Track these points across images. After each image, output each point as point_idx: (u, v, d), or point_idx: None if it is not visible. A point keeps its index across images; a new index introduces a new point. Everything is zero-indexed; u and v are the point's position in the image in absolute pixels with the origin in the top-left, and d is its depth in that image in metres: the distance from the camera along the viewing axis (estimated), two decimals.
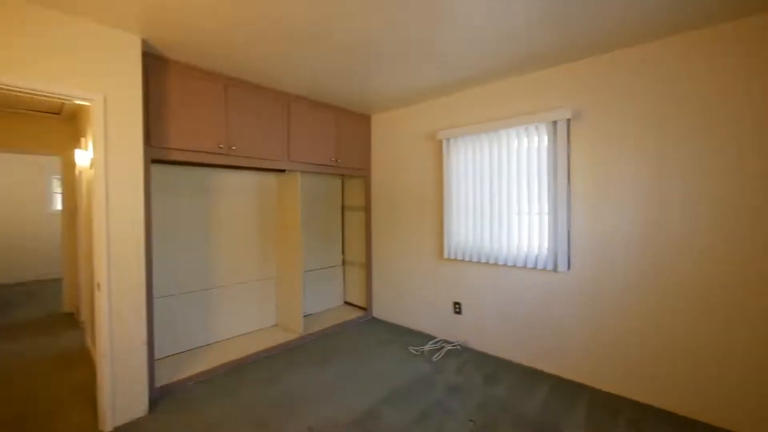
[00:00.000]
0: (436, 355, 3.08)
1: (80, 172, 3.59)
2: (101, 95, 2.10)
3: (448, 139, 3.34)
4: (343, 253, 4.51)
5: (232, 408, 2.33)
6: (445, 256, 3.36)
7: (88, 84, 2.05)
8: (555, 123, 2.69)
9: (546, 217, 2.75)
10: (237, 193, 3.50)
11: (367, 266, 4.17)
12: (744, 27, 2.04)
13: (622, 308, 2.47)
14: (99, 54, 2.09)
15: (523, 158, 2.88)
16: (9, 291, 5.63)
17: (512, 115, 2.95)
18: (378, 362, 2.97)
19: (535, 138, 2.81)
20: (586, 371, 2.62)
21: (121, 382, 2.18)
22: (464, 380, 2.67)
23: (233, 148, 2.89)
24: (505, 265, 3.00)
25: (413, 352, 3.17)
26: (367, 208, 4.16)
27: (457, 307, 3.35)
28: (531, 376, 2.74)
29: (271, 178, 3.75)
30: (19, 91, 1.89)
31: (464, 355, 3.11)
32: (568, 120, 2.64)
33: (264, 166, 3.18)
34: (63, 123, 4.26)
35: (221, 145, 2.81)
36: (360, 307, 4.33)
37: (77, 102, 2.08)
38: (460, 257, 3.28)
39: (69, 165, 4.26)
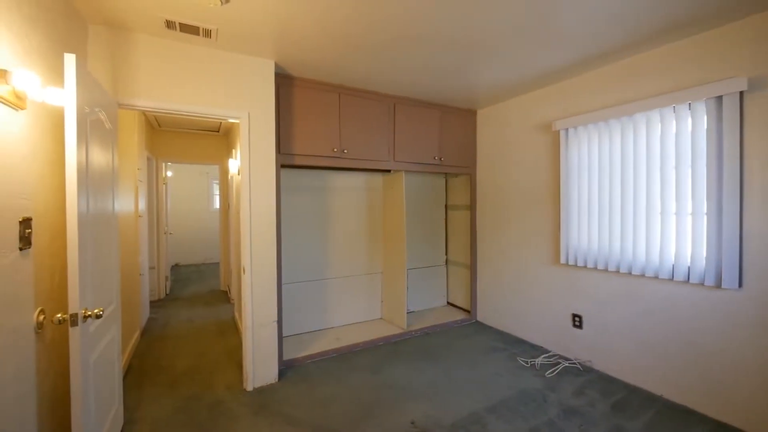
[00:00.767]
0: (550, 371, 2.77)
1: (231, 177, 4.42)
2: (246, 113, 2.54)
3: (566, 129, 2.97)
4: (446, 252, 4.46)
5: (342, 389, 2.54)
6: (562, 261, 3.00)
7: (237, 105, 2.51)
8: (719, 98, 2.12)
9: (703, 218, 2.20)
10: (348, 193, 3.80)
11: (472, 267, 4.02)
12: None
13: None
14: (245, 79, 2.54)
15: (668, 145, 2.36)
16: (186, 270, 7.32)
17: (651, 94, 2.44)
18: (483, 368, 2.84)
19: (687, 120, 2.27)
20: (760, 422, 2.00)
21: (259, 352, 2.60)
22: (585, 404, 2.34)
23: (345, 151, 3.14)
24: (642, 275, 2.50)
25: (522, 363, 2.92)
26: (471, 207, 4.01)
27: (577, 320, 2.95)
28: (679, 415, 2.23)
29: (377, 178, 3.95)
30: (193, 115, 2.43)
31: (585, 375, 2.72)
32: (741, 93, 2.05)
33: (371, 167, 3.37)
34: (220, 138, 5.32)
35: (335, 149, 3.10)
36: (463, 309, 4.21)
37: (231, 120, 2.56)
38: (580, 263, 2.88)
39: (224, 172, 5.29)
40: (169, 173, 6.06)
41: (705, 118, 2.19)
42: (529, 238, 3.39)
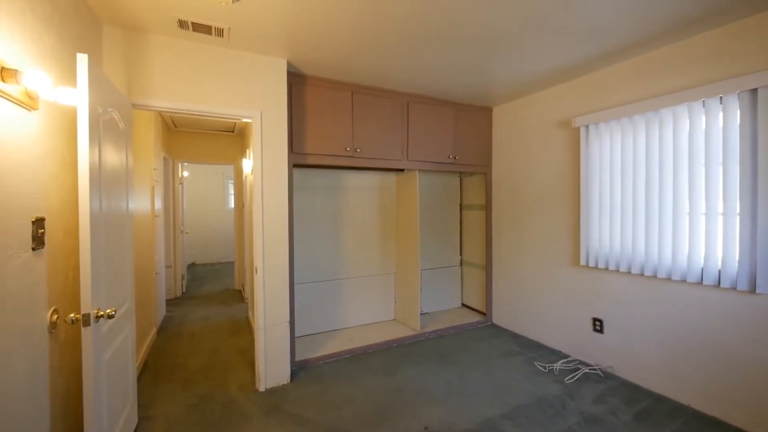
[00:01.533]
0: (569, 377, 2.67)
1: (245, 177, 4.44)
2: (258, 112, 2.53)
3: (586, 126, 2.86)
4: (460, 253, 4.37)
5: (355, 391, 2.51)
6: (582, 262, 2.89)
7: (250, 105, 2.50)
8: (754, 91, 1.99)
9: (735, 218, 2.06)
10: (361, 193, 3.76)
11: (487, 268, 3.93)
12: None
13: None
14: (257, 78, 2.53)
15: (697, 142, 2.23)
16: (202, 269, 7.44)
17: (679, 88, 2.31)
18: (499, 373, 2.76)
19: (718, 114, 2.14)
20: None
21: (271, 353, 2.59)
22: (606, 413, 2.23)
23: (358, 150, 3.10)
24: (668, 279, 2.38)
25: (540, 368, 2.83)
26: (487, 207, 3.92)
27: (598, 325, 2.83)
28: (708, 426, 2.10)
29: (391, 178, 3.90)
30: (206, 115, 2.43)
31: (607, 382, 2.60)
32: None
33: (384, 166, 3.32)
34: (235, 138, 5.36)
35: (347, 149, 3.06)
36: (478, 311, 4.12)
37: (244, 120, 2.55)
38: (601, 265, 2.77)
39: (239, 172, 5.33)
40: (186, 173, 6.16)
41: (738, 112, 2.06)
42: (547, 239, 3.28)
